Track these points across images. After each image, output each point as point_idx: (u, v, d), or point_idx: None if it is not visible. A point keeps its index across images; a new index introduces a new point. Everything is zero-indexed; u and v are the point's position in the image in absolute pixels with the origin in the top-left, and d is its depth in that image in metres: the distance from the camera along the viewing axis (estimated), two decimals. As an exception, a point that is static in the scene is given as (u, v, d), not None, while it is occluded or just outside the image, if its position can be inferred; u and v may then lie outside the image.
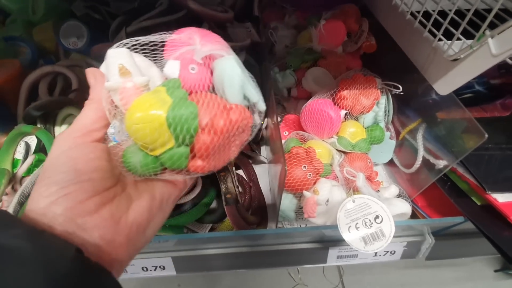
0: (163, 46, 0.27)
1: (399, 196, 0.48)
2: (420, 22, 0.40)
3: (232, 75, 0.26)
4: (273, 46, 0.65)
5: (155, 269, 0.51)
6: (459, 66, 0.36)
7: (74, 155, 0.23)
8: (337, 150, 0.52)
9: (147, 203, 0.25)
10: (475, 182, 0.44)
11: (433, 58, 0.41)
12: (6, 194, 0.45)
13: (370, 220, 0.40)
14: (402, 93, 0.49)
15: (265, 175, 0.60)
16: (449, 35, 0.35)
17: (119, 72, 0.24)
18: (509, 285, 0.97)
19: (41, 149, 0.52)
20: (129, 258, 0.24)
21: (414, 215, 0.52)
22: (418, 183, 0.51)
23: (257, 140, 0.63)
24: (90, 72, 0.26)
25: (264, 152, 0.64)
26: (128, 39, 0.26)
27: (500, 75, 0.60)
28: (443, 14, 0.35)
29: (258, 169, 0.59)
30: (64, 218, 0.21)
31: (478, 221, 0.43)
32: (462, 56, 0.35)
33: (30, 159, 0.49)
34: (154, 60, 0.27)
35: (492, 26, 0.30)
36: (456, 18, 0.34)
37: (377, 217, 0.40)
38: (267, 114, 0.51)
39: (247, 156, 0.61)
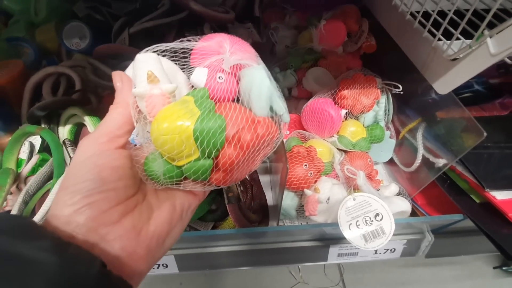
0: (190, 52, 0.27)
1: (399, 194, 0.49)
2: (420, 22, 0.40)
3: (261, 86, 0.25)
4: (273, 46, 0.66)
5: (157, 267, 0.52)
6: (458, 65, 0.36)
7: (99, 162, 0.22)
8: (337, 149, 0.52)
9: (168, 214, 0.25)
10: (474, 180, 0.44)
11: (433, 57, 0.41)
12: (11, 193, 0.46)
13: (370, 218, 0.41)
14: (402, 93, 0.50)
15: (266, 173, 0.61)
16: (448, 35, 0.35)
17: (148, 79, 0.23)
18: (508, 283, 0.98)
19: (45, 149, 0.52)
20: (147, 270, 0.24)
21: (414, 213, 0.52)
22: (417, 181, 0.51)
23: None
24: (117, 75, 0.25)
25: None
26: (158, 45, 0.26)
27: (499, 75, 0.60)
28: (442, 14, 0.35)
29: (260, 168, 0.60)
30: (86, 228, 0.21)
31: (477, 218, 0.43)
32: (461, 55, 0.35)
33: (35, 158, 0.50)
34: (182, 66, 0.27)
35: (491, 26, 0.30)
36: (456, 18, 0.34)
37: (377, 215, 0.41)
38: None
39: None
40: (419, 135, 0.50)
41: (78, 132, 0.55)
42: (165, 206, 0.25)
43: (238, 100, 0.26)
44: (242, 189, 0.51)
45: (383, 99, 0.52)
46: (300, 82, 0.59)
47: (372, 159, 0.53)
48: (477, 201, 0.45)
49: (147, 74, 0.23)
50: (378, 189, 0.48)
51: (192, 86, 0.26)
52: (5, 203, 0.44)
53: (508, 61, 0.33)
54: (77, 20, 0.64)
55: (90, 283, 0.18)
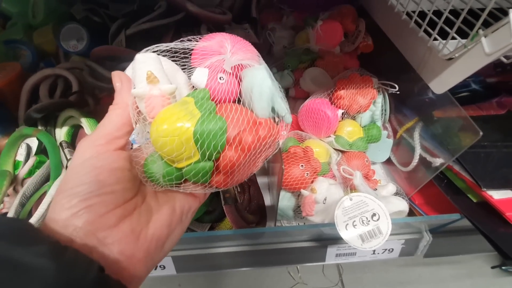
0: (191, 52, 0.26)
1: (396, 194, 0.49)
2: (416, 22, 0.40)
3: (263, 87, 0.25)
4: (271, 47, 0.66)
5: (155, 269, 0.52)
6: (454, 65, 0.36)
7: (97, 165, 0.22)
8: (334, 149, 0.52)
9: (168, 216, 0.25)
10: (471, 180, 0.44)
11: (429, 57, 0.41)
12: (8, 195, 0.46)
13: (367, 218, 0.41)
14: (398, 92, 0.50)
15: (264, 175, 0.61)
16: (444, 35, 0.35)
17: (147, 79, 0.23)
18: (507, 282, 0.97)
19: (42, 151, 0.52)
20: (147, 273, 0.24)
21: (411, 213, 0.52)
22: (415, 181, 0.51)
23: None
24: (116, 76, 0.25)
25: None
26: (158, 45, 0.25)
27: (496, 74, 0.60)
28: (438, 14, 0.35)
29: (257, 169, 0.60)
30: (84, 232, 0.20)
31: (474, 218, 0.43)
32: (456, 55, 0.35)
33: (31, 161, 0.50)
34: (182, 66, 0.26)
35: (488, 25, 0.30)
36: (451, 17, 0.34)
37: (374, 214, 0.41)
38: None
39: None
40: (416, 134, 0.50)
41: (75, 134, 0.55)
42: (165, 209, 0.25)
43: (239, 101, 0.26)
44: (239, 190, 0.51)
45: (379, 99, 0.52)
46: (297, 83, 0.59)
47: (369, 159, 0.52)
48: (474, 200, 0.45)
49: (146, 75, 0.23)
50: (376, 189, 0.48)
51: (193, 87, 0.26)
52: (1, 205, 0.44)
53: (504, 60, 0.33)
54: (75, 22, 0.64)
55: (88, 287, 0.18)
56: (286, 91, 0.62)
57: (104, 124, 0.24)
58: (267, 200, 0.56)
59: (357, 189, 0.43)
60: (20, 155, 0.51)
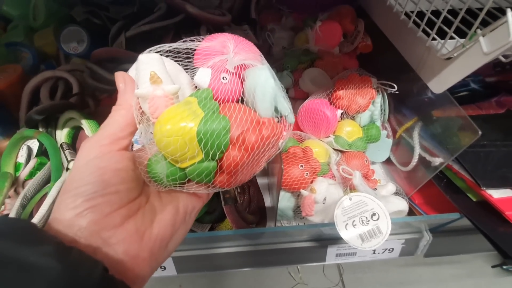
0: (193, 52, 0.26)
1: (396, 194, 0.49)
2: (414, 22, 0.40)
3: (266, 87, 0.25)
4: (270, 47, 0.66)
5: (156, 270, 0.52)
6: (452, 64, 0.37)
7: (101, 165, 0.22)
8: (334, 149, 0.52)
9: (171, 216, 0.25)
10: (471, 179, 0.44)
11: (427, 57, 0.41)
12: (9, 197, 0.46)
13: (367, 218, 0.41)
14: (398, 92, 0.50)
15: (264, 175, 0.61)
16: (443, 35, 0.35)
17: (151, 79, 0.23)
18: (508, 282, 0.97)
19: (43, 153, 0.53)
20: (151, 273, 0.24)
21: (411, 213, 0.52)
22: (415, 180, 0.51)
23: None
24: (119, 76, 0.25)
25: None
26: (161, 45, 0.25)
27: (495, 73, 0.61)
28: (437, 13, 0.36)
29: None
30: (89, 231, 0.20)
31: (473, 217, 0.43)
32: (455, 54, 0.36)
33: (32, 162, 0.50)
34: (185, 66, 0.26)
35: (486, 24, 0.30)
36: (450, 17, 0.34)
37: (373, 214, 0.41)
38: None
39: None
40: (416, 134, 0.50)
41: (76, 136, 0.56)
42: (168, 209, 0.25)
43: (242, 101, 0.26)
44: (239, 191, 0.51)
45: (378, 99, 0.52)
46: (297, 83, 0.59)
47: (368, 159, 0.53)
48: (474, 199, 0.45)
49: (150, 75, 0.23)
50: (375, 189, 0.48)
51: (196, 87, 0.26)
52: (3, 206, 0.44)
53: (503, 59, 0.34)
54: (75, 24, 0.64)
55: None
56: (286, 92, 0.62)
57: (108, 125, 0.24)
58: (267, 201, 0.56)
59: (356, 189, 0.43)
60: (21, 156, 0.51)
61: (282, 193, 0.48)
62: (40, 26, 0.69)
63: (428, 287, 0.97)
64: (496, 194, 0.43)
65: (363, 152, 0.53)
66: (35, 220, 0.41)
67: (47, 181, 0.48)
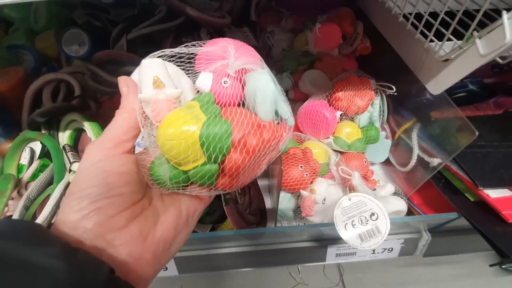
0: (195, 57, 0.27)
1: (395, 194, 0.49)
2: (412, 24, 0.41)
3: (266, 91, 0.25)
4: (270, 49, 0.67)
5: (157, 270, 0.52)
6: (450, 66, 0.37)
7: (106, 168, 0.23)
8: (333, 150, 0.53)
9: (174, 218, 0.25)
10: (468, 179, 0.45)
11: (425, 59, 0.42)
12: (12, 198, 0.46)
13: (366, 218, 0.41)
14: (396, 94, 0.50)
15: (265, 177, 0.61)
16: (441, 37, 0.36)
17: (153, 84, 0.23)
18: (507, 281, 0.98)
19: (46, 155, 0.53)
20: (154, 275, 0.24)
21: (411, 213, 0.53)
22: (414, 181, 0.52)
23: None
24: (122, 81, 0.25)
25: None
26: (164, 50, 0.26)
27: (493, 74, 0.61)
28: (435, 15, 0.36)
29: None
30: (94, 233, 0.21)
31: (471, 217, 0.44)
32: (452, 56, 0.36)
33: (35, 164, 0.50)
34: (187, 71, 0.27)
35: (484, 26, 0.31)
36: (448, 19, 0.35)
37: (372, 214, 0.41)
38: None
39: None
40: (414, 135, 0.50)
41: (78, 138, 0.56)
42: (171, 211, 0.25)
43: (243, 104, 0.26)
44: (239, 192, 0.51)
45: (377, 100, 0.53)
46: (296, 85, 0.60)
47: (367, 159, 0.53)
48: (472, 199, 0.46)
49: (152, 79, 0.23)
50: (374, 189, 0.49)
51: (198, 91, 0.26)
52: (6, 208, 0.45)
53: (500, 60, 0.34)
54: (76, 27, 0.65)
55: None
56: (285, 94, 0.62)
57: (112, 128, 0.24)
58: (268, 203, 0.56)
59: (355, 189, 0.44)
60: (24, 158, 0.52)
61: (282, 194, 0.48)
62: (41, 29, 0.69)
63: (428, 287, 0.98)
64: (493, 194, 0.43)
65: (362, 153, 0.53)
66: (39, 221, 0.42)
67: (49, 182, 0.49)
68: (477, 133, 0.38)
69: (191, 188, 0.25)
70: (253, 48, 0.28)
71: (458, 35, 0.34)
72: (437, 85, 0.40)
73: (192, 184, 0.25)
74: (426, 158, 0.47)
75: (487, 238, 0.41)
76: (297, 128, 0.56)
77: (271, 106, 0.26)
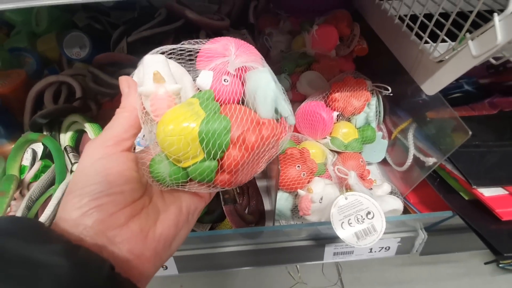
0: (196, 54, 0.27)
1: (391, 193, 0.50)
2: (408, 25, 0.42)
3: (266, 89, 0.25)
4: (268, 51, 0.67)
5: (157, 269, 0.53)
6: (444, 67, 0.38)
7: (107, 166, 0.23)
8: (330, 150, 0.54)
9: (174, 216, 0.25)
10: (463, 178, 0.45)
11: (420, 60, 0.42)
12: (15, 199, 0.47)
13: (362, 216, 0.42)
14: (392, 94, 0.51)
15: (264, 178, 0.62)
16: (436, 38, 0.36)
17: (153, 78, 0.23)
18: (504, 280, 0.98)
19: (47, 156, 0.54)
20: (154, 272, 0.24)
21: (407, 212, 0.53)
22: (410, 180, 0.52)
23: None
24: (123, 80, 0.26)
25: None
26: (165, 47, 0.26)
27: (489, 75, 0.61)
28: (430, 17, 0.37)
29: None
30: (94, 231, 0.21)
31: (465, 215, 0.44)
32: (446, 57, 0.37)
33: (37, 165, 0.51)
34: (188, 68, 0.27)
35: (479, 27, 0.31)
36: (442, 20, 0.35)
37: (368, 213, 0.42)
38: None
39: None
40: (410, 135, 0.51)
41: (79, 139, 0.57)
42: (172, 209, 0.25)
43: (243, 102, 0.27)
44: (238, 191, 0.52)
45: (373, 101, 0.53)
46: (294, 86, 0.60)
47: (364, 159, 0.54)
48: (466, 198, 0.47)
49: (153, 74, 0.23)
50: (371, 189, 0.49)
51: (198, 89, 0.27)
52: (8, 208, 0.45)
53: (493, 61, 0.35)
54: (77, 30, 0.66)
55: (100, 286, 0.18)
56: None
57: (112, 126, 0.24)
58: (266, 203, 0.57)
59: (352, 189, 0.45)
60: (26, 159, 0.52)
61: (280, 194, 0.49)
62: (43, 32, 0.70)
63: (425, 286, 0.98)
64: (487, 192, 0.44)
65: (359, 153, 0.54)
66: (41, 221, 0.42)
67: (51, 183, 0.49)
68: (470, 133, 0.39)
69: (190, 185, 0.25)
70: (253, 47, 0.28)
71: (453, 37, 0.35)
72: (432, 86, 0.41)
73: (191, 181, 0.25)
74: (422, 157, 0.48)
75: (481, 236, 0.42)
76: (294, 129, 0.56)
77: (271, 104, 0.26)
